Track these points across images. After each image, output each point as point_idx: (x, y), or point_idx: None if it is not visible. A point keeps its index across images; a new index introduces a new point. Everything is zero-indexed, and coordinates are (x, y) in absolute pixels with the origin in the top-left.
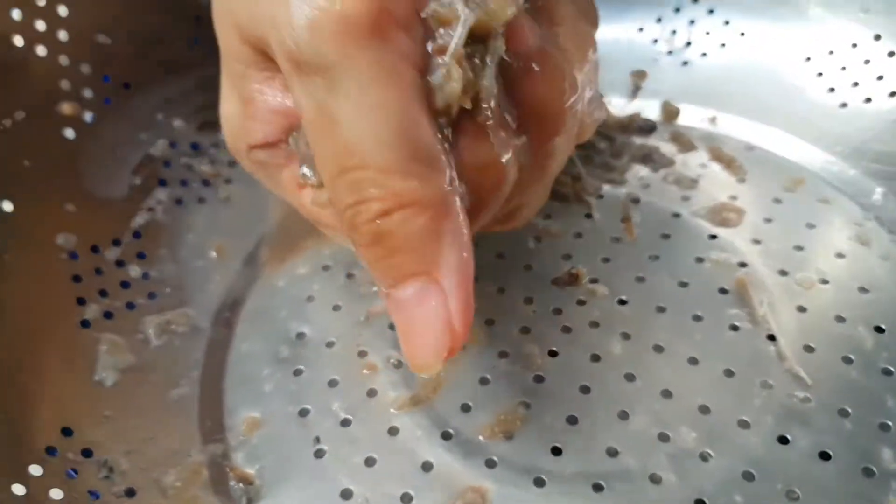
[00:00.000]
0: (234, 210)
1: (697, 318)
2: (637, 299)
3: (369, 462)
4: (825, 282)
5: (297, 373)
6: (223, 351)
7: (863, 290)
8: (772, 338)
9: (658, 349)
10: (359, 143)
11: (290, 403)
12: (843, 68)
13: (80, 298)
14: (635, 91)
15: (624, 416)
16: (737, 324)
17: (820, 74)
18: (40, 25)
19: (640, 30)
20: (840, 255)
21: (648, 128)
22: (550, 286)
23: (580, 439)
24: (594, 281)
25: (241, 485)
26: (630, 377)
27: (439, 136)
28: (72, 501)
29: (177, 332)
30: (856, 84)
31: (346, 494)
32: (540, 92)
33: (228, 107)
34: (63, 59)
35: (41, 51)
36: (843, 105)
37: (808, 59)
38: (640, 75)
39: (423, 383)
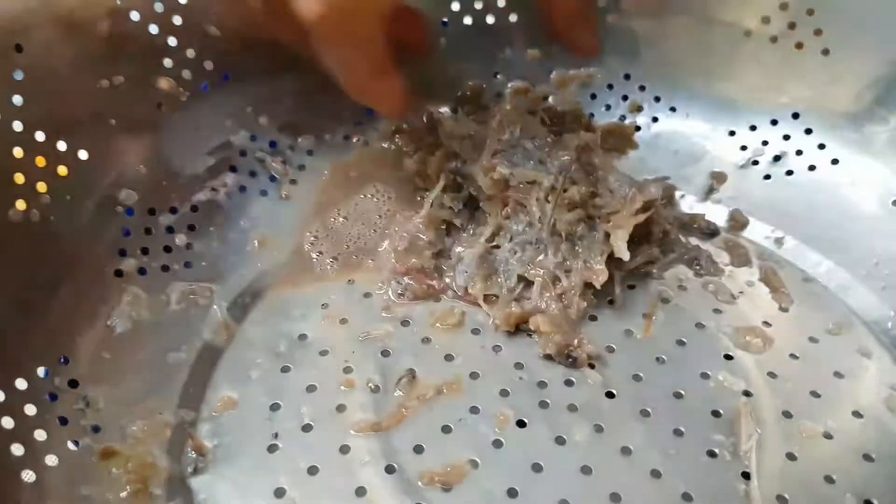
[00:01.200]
0: (289, 209)
1: (678, 433)
2: (625, 396)
3: (312, 470)
4: (829, 436)
5: (285, 370)
6: (229, 331)
7: (867, 457)
8: (746, 476)
9: (626, 451)
10: None
11: (267, 395)
12: None
13: (122, 250)
14: (709, 192)
15: None
16: (716, 451)
17: None
18: (158, 7)
19: (732, 133)
20: (857, 414)
21: (710, 231)
22: (545, 358)
23: None
24: (591, 366)
25: (194, 454)
26: (586, 470)
27: None
28: (43, 422)
29: (196, 303)
30: None
31: (279, 493)
32: None
33: None
34: (171, 40)
35: (153, 29)
36: None
37: None
38: (719, 177)
39: (390, 413)
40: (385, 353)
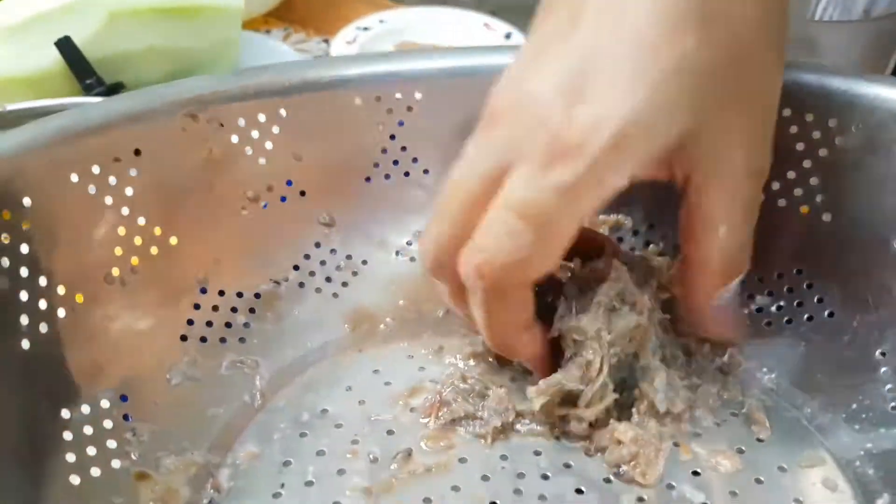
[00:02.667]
0: (337, 305)
1: None
2: (593, 495)
3: None
4: None
5: (302, 435)
6: (264, 399)
7: None
8: None
9: None
10: None
11: (282, 453)
12: None
13: (190, 320)
14: None
15: None
16: None
17: (890, 385)
18: (255, 134)
19: (742, 283)
20: None
21: (724, 370)
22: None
23: None
24: (566, 466)
25: (212, 490)
26: None
27: None
28: (95, 441)
29: (242, 371)
30: None
31: None
32: None
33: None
34: (262, 160)
35: (248, 150)
36: None
37: (883, 354)
38: None
39: (382, 481)
40: (390, 433)
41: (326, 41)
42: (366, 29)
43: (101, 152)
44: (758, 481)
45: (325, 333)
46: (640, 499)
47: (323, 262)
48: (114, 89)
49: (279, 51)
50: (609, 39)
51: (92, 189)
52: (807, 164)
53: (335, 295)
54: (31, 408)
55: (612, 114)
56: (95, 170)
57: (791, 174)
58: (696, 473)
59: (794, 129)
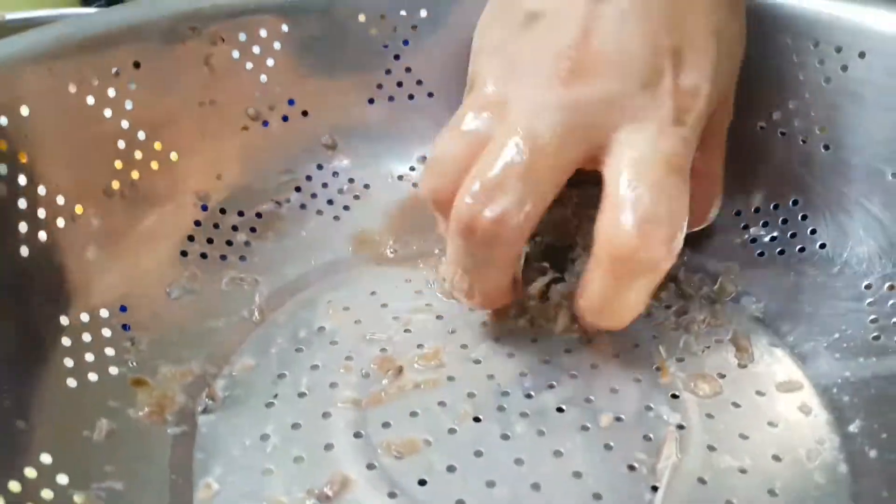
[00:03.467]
0: (338, 229)
1: (608, 447)
2: (572, 414)
3: (295, 426)
4: (743, 472)
5: (298, 350)
6: (263, 315)
7: (772, 492)
8: (655, 489)
9: (557, 454)
10: None
11: (277, 366)
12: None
13: (190, 236)
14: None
15: (491, 484)
16: (636, 465)
17: (874, 316)
18: (256, 49)
19: (738, 213)
20: (777, 458)
21: (711, 299)
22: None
23: (445, 482)
24: (550, 386)
25: (207, 399)
26: (519, 462)
27: None
28: (93, 348)
29: (242, 288)
30: None
31: (264, 437)
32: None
33: None
34: (263, 77)
35: (249, 65)
36: (881, 348)
37: (868, 286)
38: (721, 251)
39: (371, 395)
40: (383, 350)
41: None
42: None
43: (100, 64)
44: (735, 405)
45: (325, 255)
46: (618, 418)
47: (325, 185)
48: (114, 0)
49: None
50: None
51: (91, 100)
52: (807, 94)
53: (336, 218)
54: (30, 312)
55: (707, 73)
56: (94, 81)
57: (791, 104)
58: (674, 396)
59: (794, 58)
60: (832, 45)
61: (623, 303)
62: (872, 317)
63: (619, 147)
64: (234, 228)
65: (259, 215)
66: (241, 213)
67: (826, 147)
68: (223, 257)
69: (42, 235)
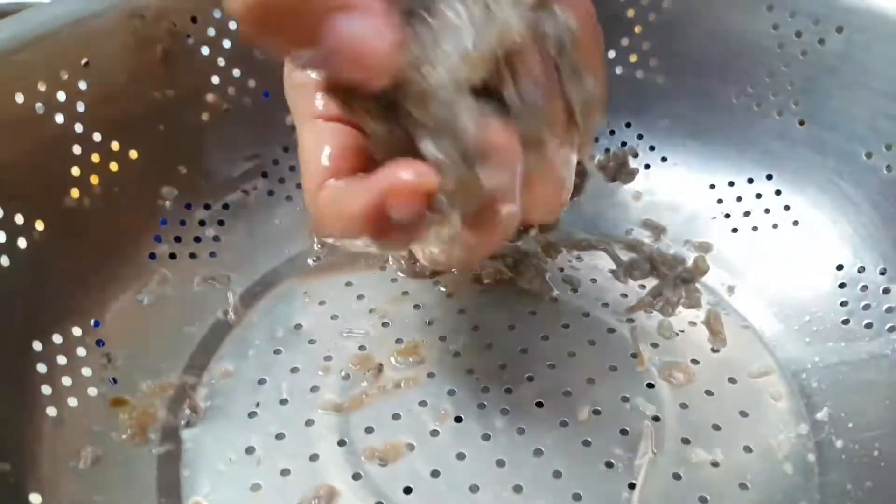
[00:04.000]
0: (307, 215)
1: (587, 444)
2: (551, 408)
3: (279, 436)
4: (715, 465)
5: (277, 352)
6: (238, 314)
7: (742, 486)
8: (632, 486)
9: (538, 452)
10: None
11: (257, 371)
12: (867, 306)
13: (157, 236)
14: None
15: (474, 489)
16: (614, 462)
17: (843, 298)
18: (210, 32)
19: (712, 186)
20: (748, 449)
21: (685, 279)
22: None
23: (429, 489)
24: (530, 379)
25: (189, 411)
26: (500, 463)
27: None
28: (70, 371)
29: (214, 287)
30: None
31: (249, 450)
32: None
33: None
34: (220, 61)
35: (205, 50)
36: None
37: (840, 267)
38: (693, 226)
39: (353, 398)
40: (361, 348)
41: None
42: None
43: (46, 67)
44: (708, 393)
45: (298, 244)
46: (596, 411)
47: (292, 168)
48: None
49: None
50: None
51: (40, 108)
52: (784, 67)
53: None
54: (1, 344)
55: None
56: (41, 87)
57: (767, 77)
58: (650, 386)
59: (771, 29)
60: (810, 17)
61: None
62: (843, 299)
63: None
64: (202, 223)
65: (226, 206)
66: (207, 207)
67: (801, 122)
68: (193, 255)
69: (4, 261)
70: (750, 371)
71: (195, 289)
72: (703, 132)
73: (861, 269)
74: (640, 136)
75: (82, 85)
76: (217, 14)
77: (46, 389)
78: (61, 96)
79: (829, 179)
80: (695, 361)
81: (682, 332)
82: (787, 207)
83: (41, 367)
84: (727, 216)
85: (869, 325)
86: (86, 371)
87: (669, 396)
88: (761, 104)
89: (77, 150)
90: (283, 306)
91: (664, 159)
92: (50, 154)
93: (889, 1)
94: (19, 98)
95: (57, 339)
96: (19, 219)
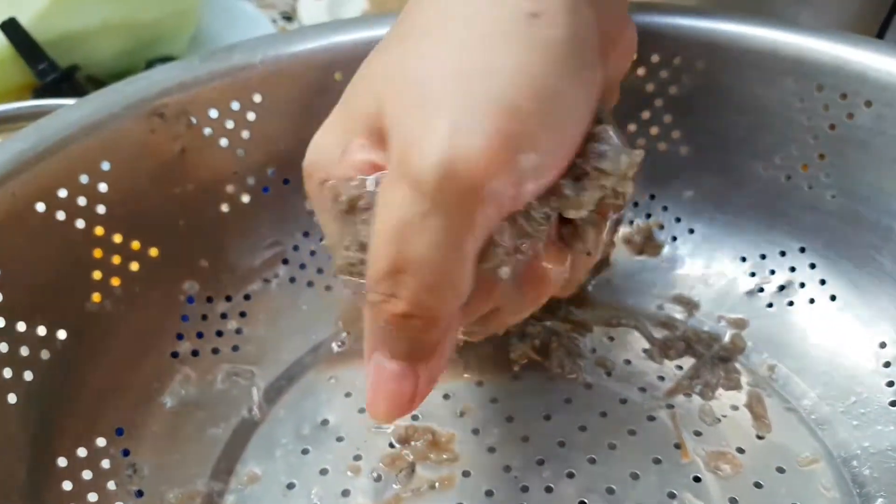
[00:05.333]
0: (331, 299)
1: None
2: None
3: None
4: None
5: (305, 451)
6: (263, 411)
7: None
8: None
9: None
10: (417, 260)
11: (285, 474)
12: None
13: (179, 334)
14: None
15: None
16: None
17: (889, 378)
18: (229, 124)
19: (743, 259)
20: None
21: (722, 357)
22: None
23: None
24: (570, 475)
25: None
26: None
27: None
28: (96, 486)
29: (238, 384)
30: None
31: None
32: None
33: (328, 138)
34: (240, 152)
35: (224, 142)
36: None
37: (883, 345)
38: (726, 301)
39: (384, 501)
40: (391, 446)
41: None
42: None
43: (66, 173)
44: (757, 485)
45: (321, 332)
46: None
47: (313, 253)
48: (69, 73)
49: (241, 10)
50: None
51: (61, 216)
52: (812, 139)
53: (328, 288)
54: (24, 465)
55: None
56: (62, 194)
57: (795, 149)
58: (696, 479)
59: (798, 102)
60: (837, 91)
61: None
62: (888, 379)
63: None
64: (224, 316)
65: (248, 297)
66: (229, 298)
67: (833, 195)
68: (215, 350)
69: (28, 376)
70: (798, 459)
71: (218, 386)
72: (731, 204)
73: None
74: (664, 209)
75: (102, 187)
76: (235, 106)
77: None
78: (82, 201)
79: (866, 254)
80: (740, 450)
81: (725, 416)
82: (822, 282)
83: (66, 485)
84: (761, 290)
85: None
86: (111, 485)
87: (718, 491)
88: (791, 177)
89: (98, 253)
90: (309, 400)
91: (691, 231)
92: (71, 260)
93: None
94: (40, 207)
95: (82, 452)
96: (42, 330)
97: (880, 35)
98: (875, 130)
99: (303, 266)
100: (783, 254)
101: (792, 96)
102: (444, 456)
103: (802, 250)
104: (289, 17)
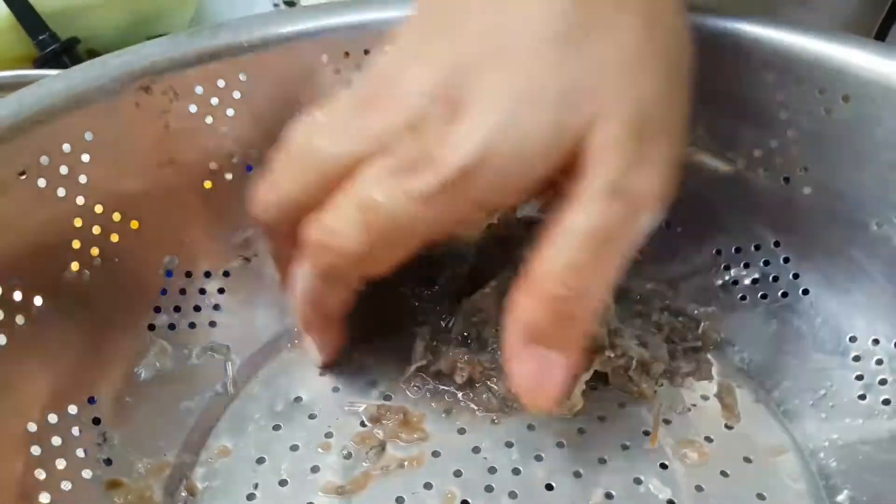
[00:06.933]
0: None
1: None
2: (563, 490)
3: None
4: None
5: (276, 427)
6: (237, 387)
7: None
8: None
9: None
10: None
11: (256, 449)
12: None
13: (157, 307)
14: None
15: None
16: None
17: (859, 372)
18: (214, 101)
19: (719, 252)
20: None
21: (694, 347)
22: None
23: None
24: (538, 458)
25: (186, 493)
26: None
27: None
28: (65, 452)
29: (213, 358)
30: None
31: None
32: None
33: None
34: (224, 129)
35: (208, 119)
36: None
37: (853, 339)
38: (702, 294)
39: (355, 479)
40: (363, 424)
41: None
42: None
43: (49, 142)
44: (723, 474)
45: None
46: (609, 495)
47: None
48: (68, 45)
49: None
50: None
51: (42, 182)
52: (790, 133)
53: None
54: None
55: (482, 136)
56: (44, 160)
57: (773, 143)
58: (663, 466)
59: (777, 96)
60: (815, 87)
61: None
62: (858, 373)
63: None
64: (202, 292)
65: (227, 274)
66: (208, 274)
67: (809, 190)
68: (192, 325)
69: (1, 340)
70: (766, 449)
71: (193, 361)
72: (709, 194)
73: (875, 342)
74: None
75: (85, 158)
76: (221, 83)
77: (40, 473)
78: (63, 170)
79: (840, 248)
80: (708, 439)
81: (695, 406)
82: (796, 276)
83: (35, 450)
84: (734, 283)
85: (887, 402)
86: (80, 452)
87: (684, 478)
88: (768, 170)
89: (78, 222)
90: (283, 377)
91: (667, 225)
92: (50, 228)
93: (895, 72)
94: (21, 174)
95: (53, 418)
96: (18, 296)
97: (880, 36)
98: (851, 126)
99: None
100: (758, 248)
101: (771, 89)
102: (415, 435)
103: (777, 244)
104: (291, 3)
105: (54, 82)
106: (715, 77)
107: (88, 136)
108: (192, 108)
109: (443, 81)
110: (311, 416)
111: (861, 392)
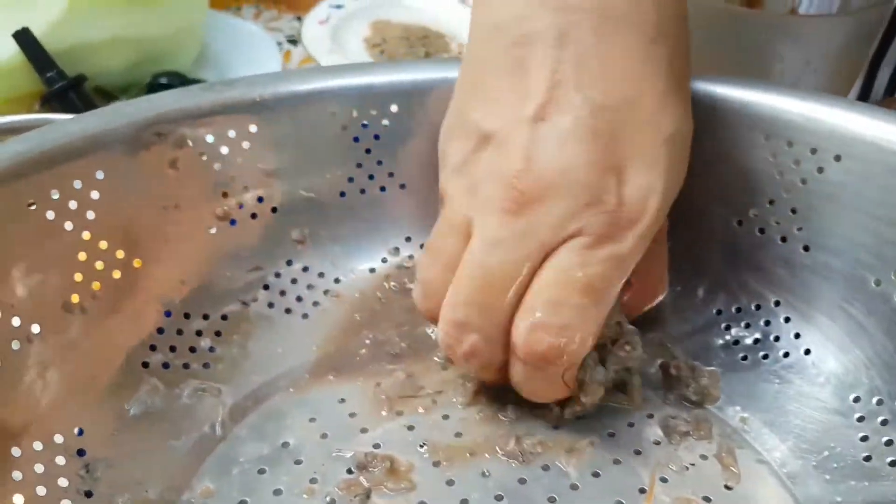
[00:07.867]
0: (307, 327)
1: None
2: None
3: None
4: None
5: (261, 471)
6: (226, 429)
7: None
8: None
9: None
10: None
11: (239, 492)
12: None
13: (153, 345)
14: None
15: None
16: None
17: (863, 433)
18: (224, 150)
19: (719, 312)
20: None
21: (696, 401)
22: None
23: None
24: None
25: None
26: None
27: None
28: (46, 480)
29: (204, 399)
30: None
31: None
32: None
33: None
34: (231, 177)
35: (217, 166)
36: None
37: (857, 399)
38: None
39: None
40: (349, 472)
41: (299, 18)
42: (339, 7)
43: (61, 178)
44: None
45: (294, 357)
46: None
47: (294, 281)
48: (76, 82)
49: (248, 31)
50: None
51: (50, 215)
52: (784, 193)
53: (305, 316)
54: None
55: (656, 187)
56: (54, 195)
57: (769, 203)
58: None
59: (770, 157)
60: (807, 147)
61: (534, 387)
62: (862, 434)
63: (546, 265)
64: (199, 333)
65: (224, 317)
66: (205, 317)
67: (806, 248)
68: (186, 366)
69: None
70: None
71: (184, 400)
72: (708, 254)
73: (880, 402)
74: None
75: (94, 195)
76: (231, 133)
77: (18, 499)
78: (73, 205)
79: (839, 307)
80: (707, 499)
81: (693, 465)
82: (797, 336)
83: (17, 475)
84: (735, 343)
85: (893, 464)
86: (62, 481)
87: None
88: (764, 230)
89: (82, 256)
90: (272, 422)
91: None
92: (55, 260)
93: (884, 132)
94: (32, 206)
95: (37, 445)
96: (16, 321)
97: (871, 71)
98: (844, 185)
99: (283, 293)
100: (758, 307)
101: (764, 151)
102: (402, 485)
103: (777, 304)
104: (294, 41)
105: (69, 124)
106: (707, 140)
107: (99, 174)
108: (202, 155)
109: (595, 147)
110: (297, 462)
111: (866, 453)
